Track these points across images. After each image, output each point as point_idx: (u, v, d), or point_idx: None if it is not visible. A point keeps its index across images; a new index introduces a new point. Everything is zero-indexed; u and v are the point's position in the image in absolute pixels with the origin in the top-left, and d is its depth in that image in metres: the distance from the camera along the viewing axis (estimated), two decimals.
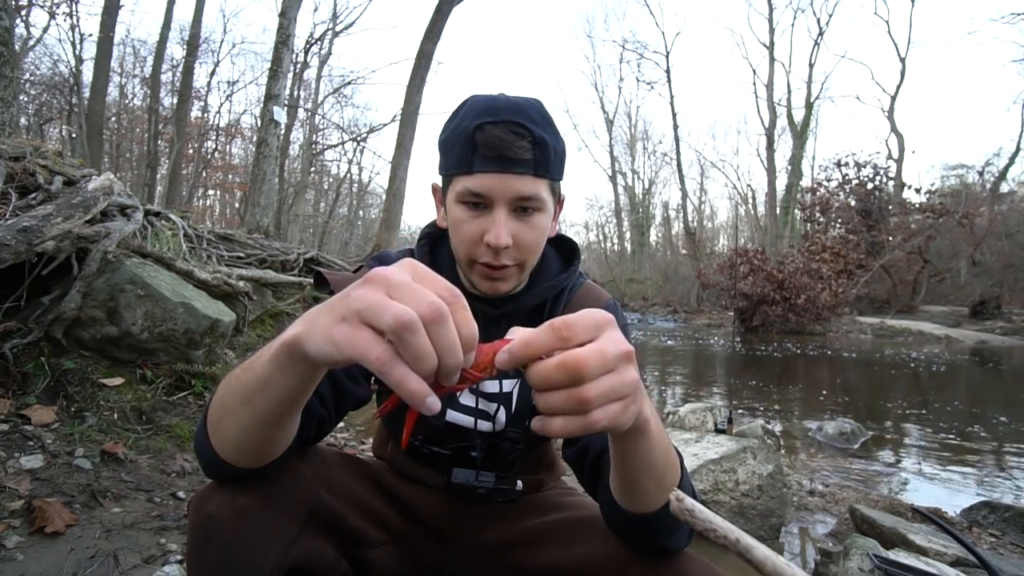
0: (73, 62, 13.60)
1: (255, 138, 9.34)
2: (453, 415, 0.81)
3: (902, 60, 23.05)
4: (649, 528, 0.60)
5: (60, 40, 17.20)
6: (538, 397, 0.40)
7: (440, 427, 0.81)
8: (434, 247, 0.83)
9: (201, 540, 0.60)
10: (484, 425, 0.81)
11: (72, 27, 12.89)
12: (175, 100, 14.91)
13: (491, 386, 0.80)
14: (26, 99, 13.39)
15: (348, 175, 24.57)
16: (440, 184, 0.77)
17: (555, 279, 0.82)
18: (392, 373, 0.35)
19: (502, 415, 0.81)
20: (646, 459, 0.53)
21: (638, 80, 33.44)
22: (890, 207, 18.97)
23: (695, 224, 30.51)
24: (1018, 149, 20.17)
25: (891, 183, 19.71)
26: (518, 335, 0.41)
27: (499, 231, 0.67)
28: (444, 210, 0.76)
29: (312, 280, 4.41)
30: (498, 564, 0.78)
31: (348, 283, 0.80)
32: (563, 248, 0.87)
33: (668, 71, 28.30)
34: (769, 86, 25.66)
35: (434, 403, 0.36)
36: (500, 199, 0.68)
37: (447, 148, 0.72)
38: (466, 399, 0.81)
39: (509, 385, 0.81)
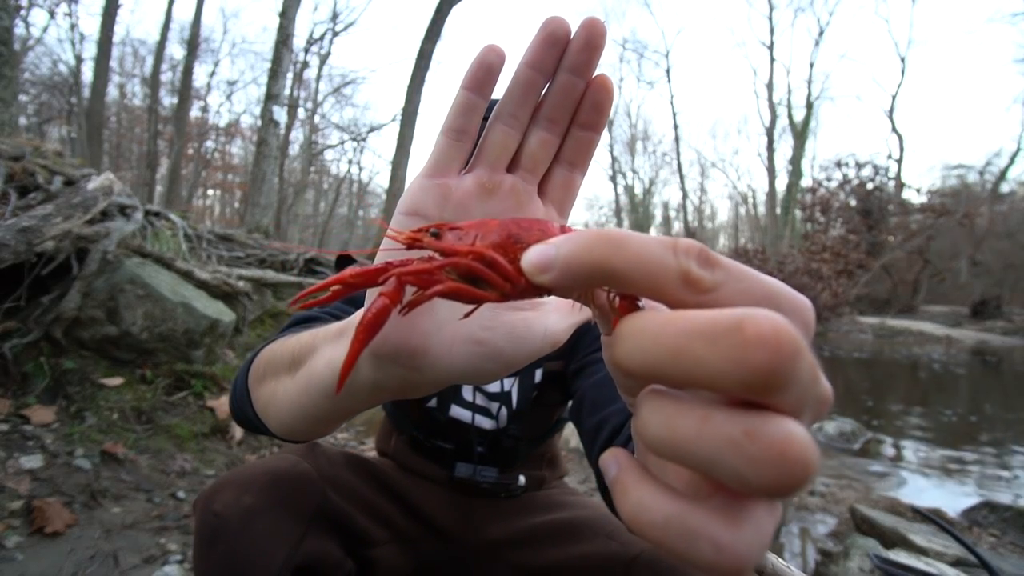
0: (73, 62, 13.62)
1: (255, 138, 9.35)
2: (456, 411, 0.82)
3: (902, 59, 23.06)
4: None
5: (60, 40, 17.21)
6: (641, 414, 0.18)
7: (443, 422, 0.81)
8: None
9: (208, 539, 0.60)
10: (486, 422, 0.81)
11: (72, 27, 12.91)
12: (175, 100, 14.92)
13: (492, 386, 0.81)
14: (26, 99, 13.40)
15: (348, 175, 24.59)
16: None
17: None
18: None
19: (504, 413, 0.81)
20: None
21: (638, 79, 33.36)
22: (890, 207, 18.95)
23: (695, 224, 30.53)
24: (1018, 149, 20.16)
25: (891, 183, 19.70)
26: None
27: None
28: None
29: (316, 281, 4.40)
30: (501, 562, 0.79)
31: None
32: None
33: (668, 71, 28.32)
34: (769, 86, 25.66)
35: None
36: None
37: None
38: (470, 396, 0.82)
39: (509, 384, 0.82)
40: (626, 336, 0.17)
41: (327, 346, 0.38)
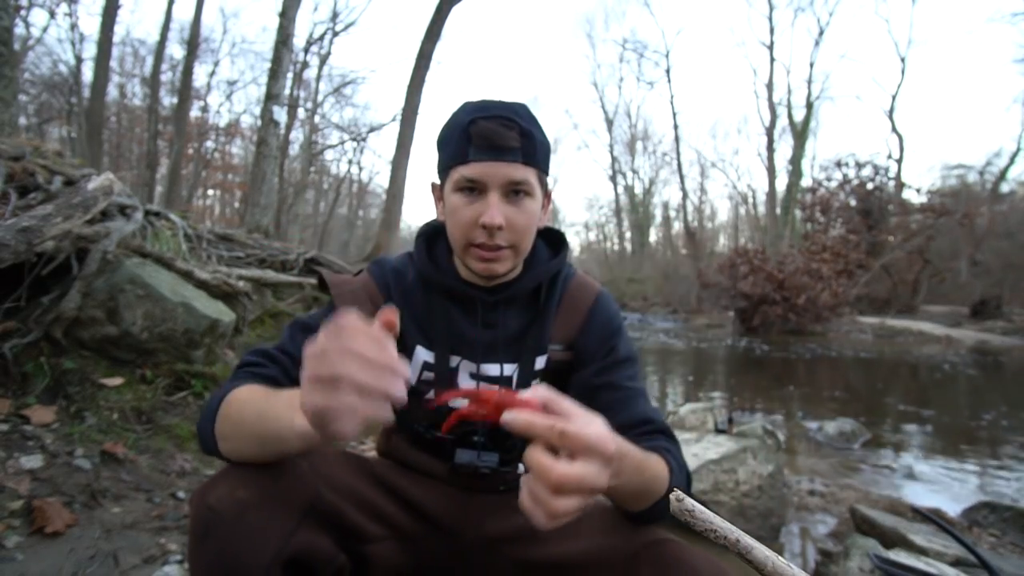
0: (73, 62, 13.63)
1: (255, 138, 9.35)
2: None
3: (902, 59, 23.07)
4: (645, 516, 0.70)
5: (60, 40, 17.22)
6: (526, 458, 0.49)
7: (444, 412, 0.82)
8: (431, 244, 0.88)
9: (201, 533, 0.61)
10: None
11: (72, 27, 12.92)
12: (175, 100, 14.92)
13: (492, 370, 0.82)
14: (26, 99, 13.39)
15: (348, 175, 24.61)
16: (438, 183, 0.83)
17: (544, 266, 0.87)
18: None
19: None
20: (621, 494, 0.65)
21: (638, 79, 33.39)
22: (890, 207, 18.95)
23: (695, 224, 30.53)
24: (1018, 149, 20.15)
25: (891, 183, 19.70)
26: (524, 412, 0.49)
27: (493, 212, 0.73)
28: (443, 204, 0.81)
29: (315, 281, 4.40)
30: (500, 558, 0.79)
31: (345, 282, 0.84)
32: (551, 239, 0.92)
33: (668, 71, 28.38)
34: (769, 86, 25.67)
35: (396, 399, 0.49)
36: (493, 184, 0.74)
37: (444, 144, 0.79)
38: (468, 385, 0.83)
39: (510, 369, 0.83)
40: (527, 454, 0.49)
41: (297, 441, 0.57)
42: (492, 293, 0.82)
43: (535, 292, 0.85)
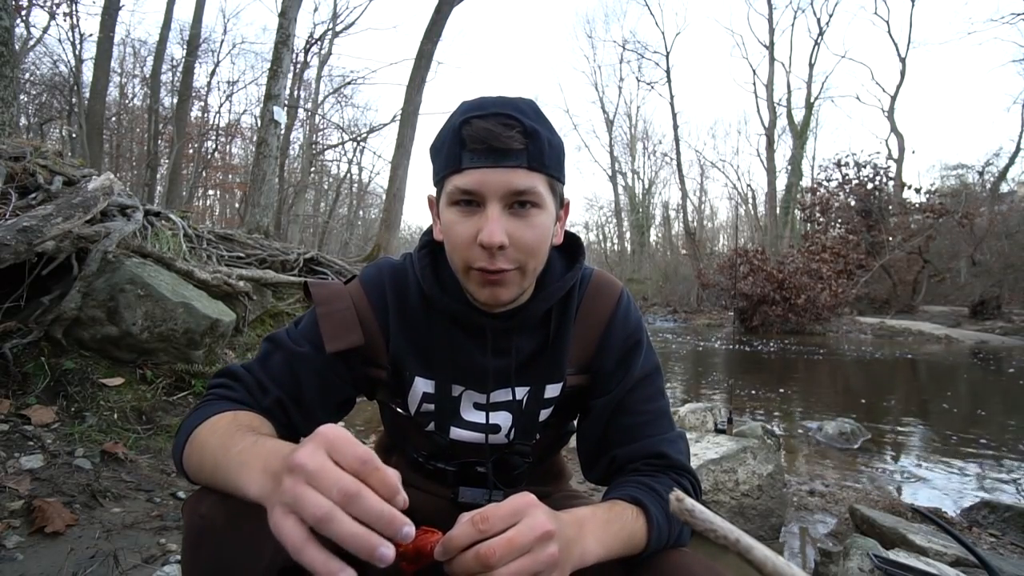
0: (73, 62, 13.62)
1: (255, 138, 9.35)
2: (458, 432, 0.78)
3: (902, 60, 23.03)
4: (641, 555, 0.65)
5: (60, 40, 17.21)
6: None
7: (445, 444, 0.78)
8: (436, 257, 0.77)
9: (195, 541, 0.59)
10: (491, 439, 0.79)
11: (72, 27, 12.91)
12: (175, 100, 14.91)
13: (503, 395, 0.77)
14: (26, 99, 13.39)
15: (348, 175, 24.62)
16: (435, 196, 0.72)
17: (559, 282, 0.76)
18: (304, 557, 0.40)
19: (511, 426, 0.79)
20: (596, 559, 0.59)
21: (638, 80, 33.33)
22: (890, 207, 18.93)
23: (695, 224, 30.52)
24: (1018, 149, 20.15)
25: (891, 183, 19.67)
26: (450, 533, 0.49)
27: (492, 228, 0.62)
28: (440, 221, 0.70)
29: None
30: None
31: (334, 297, 0.76)
32: (566, 246, 0.80)
33: (668, 71, 28.30)
34: (769, 86, 25.66)
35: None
36: (492, 194, 0.62)
37: (436, 151, 0.68)
38: (472, 415, 0.78)
39: (522, 393, 0.78)
40: (451, 566, 0.49)
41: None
42: (503, 320, 0.73)
43: (548, 311, 0.76)
